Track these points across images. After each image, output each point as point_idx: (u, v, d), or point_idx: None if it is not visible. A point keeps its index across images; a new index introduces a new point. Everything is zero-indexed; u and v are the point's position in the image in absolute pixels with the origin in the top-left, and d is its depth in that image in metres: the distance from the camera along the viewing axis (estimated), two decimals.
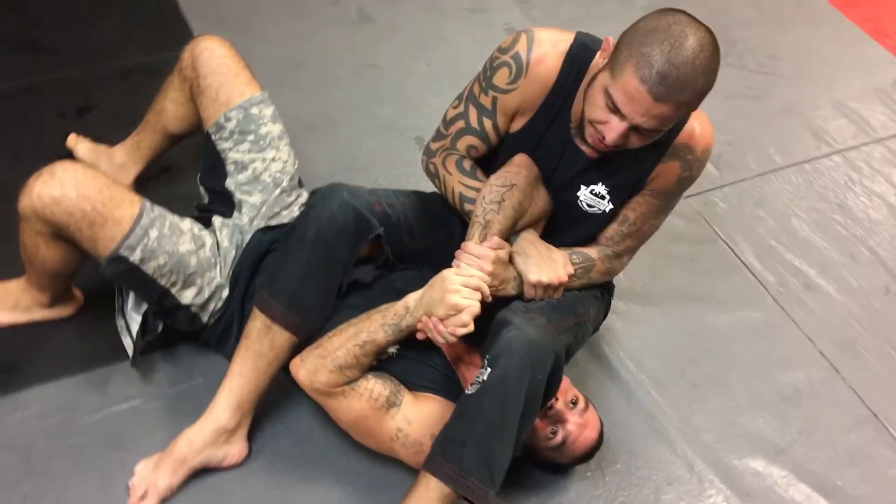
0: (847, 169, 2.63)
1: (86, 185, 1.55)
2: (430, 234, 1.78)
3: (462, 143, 1.72)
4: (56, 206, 1.53)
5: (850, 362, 2.11)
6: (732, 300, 2.21)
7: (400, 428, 1.61)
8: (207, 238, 1.74)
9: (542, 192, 1.67)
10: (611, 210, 1.68)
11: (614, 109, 1.43)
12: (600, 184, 1.64)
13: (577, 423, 1.65)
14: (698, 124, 1.62)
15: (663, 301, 2.18)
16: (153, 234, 1.62)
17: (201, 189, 1.92)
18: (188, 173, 2.22)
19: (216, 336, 1.79)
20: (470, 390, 1.52)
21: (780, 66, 2.98)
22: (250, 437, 1.73)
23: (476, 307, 1.53)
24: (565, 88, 1.59)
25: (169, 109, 1.93)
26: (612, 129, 1.45)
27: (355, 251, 1.68)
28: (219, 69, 1.81)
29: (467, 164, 1.73)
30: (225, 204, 1.84)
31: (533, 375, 1.48)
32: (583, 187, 1.66)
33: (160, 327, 1.76)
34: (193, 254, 1.69)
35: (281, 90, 2.50)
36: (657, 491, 1.81)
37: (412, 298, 1.59)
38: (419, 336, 1.59)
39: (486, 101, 1.65)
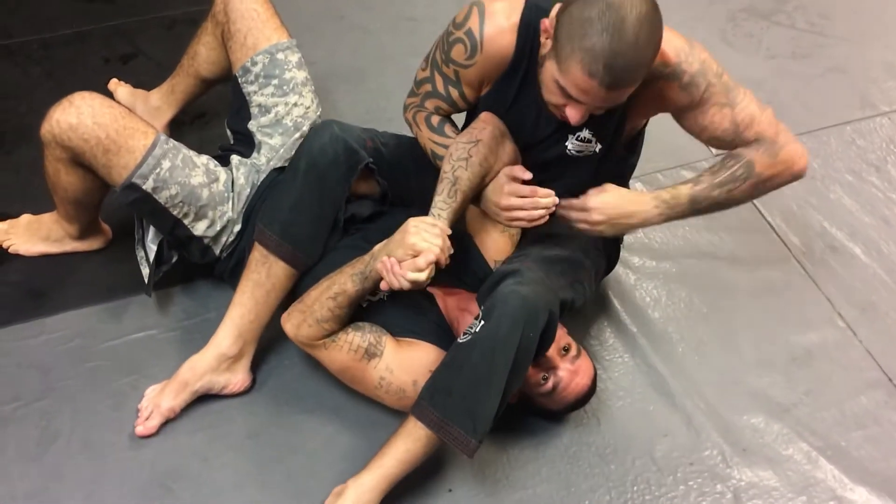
0: (891, 132, 2.54)
1: (101, 114, 1.64)
2: (429, 177, 1.81)
3: (430, 104, 1.74)
4: (73, 133, 1.62)
5: (869, 325, 2.06)
6: (752, 259, 2.18)
7: (382, 377, 1.66)
8: (222, 174, 1.82)
9: (507, 147, 1.68)
10: (600, 149, 1.67)
11: (570, 97, 1.44)
12: (584, 129, 1.64)
13: (568, 370, 1.67)
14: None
15: (679, 257, 2.16)
16: (165, 164, 1.70)
17: (228, 131, 2.01)
18: (222, 119, 2.29)
19: (229, 269, 1.87)
20: (462, 339, 1.55)
21: (831, 26, 2.88)
22: (255, 369, 1.81)
23: (433, 255, 1.53)
24: (525, 55, 1.58)
25: (201, 53, 2.01)
26: (573, 113, 1.47)
27: (347, 183, 1.73)
28: (248, 14, 1.88)
29: (435, 119, 1.74)
30: (246, 144, 1.92)
31: (524, 332, 1.50)
32: (570, 137, 1.66)
33: (174, 258, 1.85)
34: (206, 187, 1.76)
35: (318, 39, 2.58)
36: (651, 441, 1.82)
37: (379, 245, 1.62)
38: (382, 286, 1.59)
39: (448, 71, 1.66)
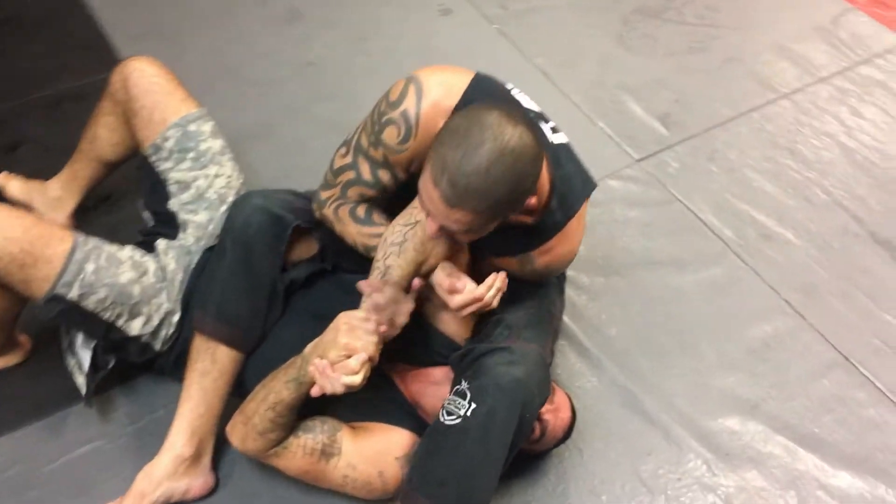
0: (795, 112, 2.62)
1: (10, 227, 1.50)
2: None
3: (353, 192, 1.62)
4: None
5: (816, 308, 2.10)
6: (693, 260, 2.20)
7: (345, 474, 1.58)
8: (150, 264, 1.70)
9: None
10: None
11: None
12: None
13: (551, 412, 1.62)
14: (554, 243, 1.56)
15: (625, 269, 2.15)
16: (89, 267, 1.57)
17: (144, 214, 1.88)
18: (130, 199, 2.16)
19: (171, 362, 1.75)
20: (448, 421, 1.47)
21: (719, 16, 2.96)
22: (216, 465, 1.70)
23: (366, 354, 1.43)
24: None
25: (103, 136, 1.88)
26: (430, 223, 1.40)
27: (277, 251, 1.66)
28: (152, 89, 1.77)
29: (361, 210, 1.62)
30: (170, 226, 1.79)
31: (522, 414, 1.45)
32: None
33: (111, 362, 1.71)
34: (135, 283, 1.64)
35: (216, 99, 2.42)
36: (635, 462, 1.79)
37: (309, 346, 1.53)
38: (314, 391, 1.46)
39: (376, 154, 1.56)
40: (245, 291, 1.66)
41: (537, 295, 1.72)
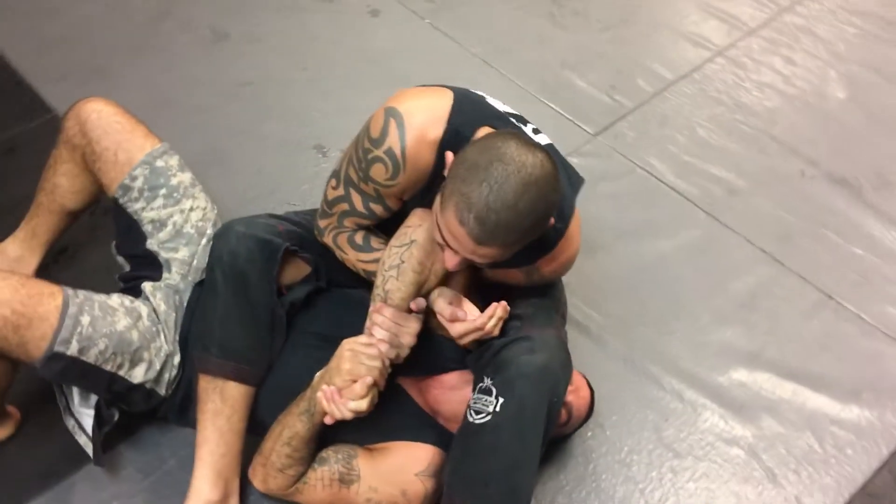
0: (732, 68, 2.69)
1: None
2: None
3: (349, 222, 1.61)
4: None
5: (792, 253, 2.17)
6: (668, 224, 2.23)
7: (368, 498, 1.55)
8: (142, 308, 1.63)
9: None
10: None
11: (445, 240, 1.36)
12: None
13: (572, 392, 1.62)
14: (558, 252, 1.55)
15: (605, 244, 2.17)
16: (85, 320, 1.49)
17: (119, 258, 1.80)
18: (89, 247, 2.08)
19: (177, 406, 1.69)
20: (477, 420, 1.46)
21: None
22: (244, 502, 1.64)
23: (371, 378, 1.44)
24: (438, 180, 1.47)
25: (63, 185, 1.78)
26: (448, 258, 1.39)
27: (270, 277, 1.61)
28: (112, 129, 1.69)
29: (359, 237, 1.62)
30: (151, 267, 1.72)
31: (550, 401, 1.45)
32: None
33: (116, 415, 1.63)
34: (133, 328, 1.57)
35: (160, 131, 2.30)
36: (657, 429, 1.81)
37: (316, 378, 1.52)
38: (327, 420, 1.47)
39: (367, 189, 1.53)
40: (245, 323, 1.61)
41: (536, 298, 1.71)
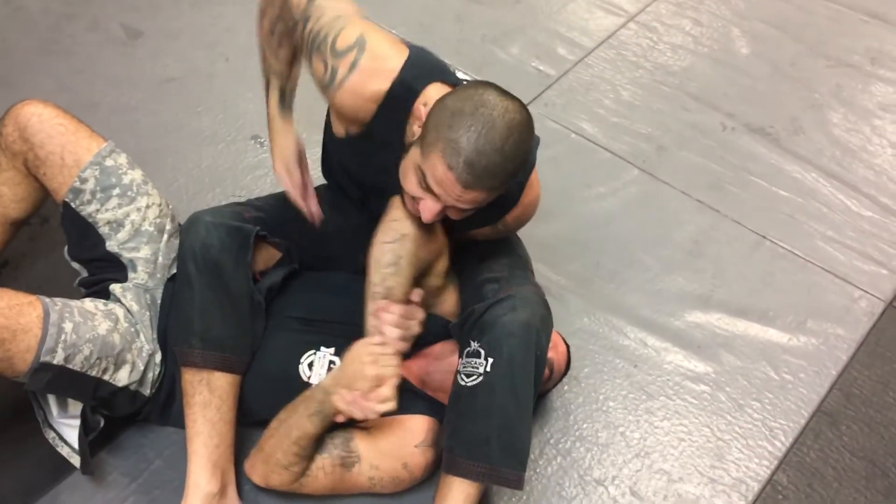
0: (645, 32, 2.81)
1: None
2: (321, 228, 1.74)
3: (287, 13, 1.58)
4: None
5: (724, 200, 2.30)
6: (607, 183, 2.32)
7: (370, 476, 1.58)
8: (118, 309, 1.59)
9: (431, 228, 1.57)
10: None
11: (427, 188, 1.40)
12: None
13: (551, 349, 1.67)
14: (520, 208, 1.62)
15: (552, 208, 2.23)
16: (67, 326, 1.45)
17: (75, 264, 1.73)
18: (31, 258, 2.01)
19: (160, 404, 1.66)
20: (469, 382, 1.50)
21: None
22: (241, 494, 1.63)
23: (396, 379, 1.47)
24: (381, 129, 1.52)
25: (5, 194, 1.70)
26: (427, 209, 1.42)
27: (244, 263, 1.61)
28: (55, 131, 1.62)
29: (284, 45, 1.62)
30: (114, 268, 1.67)
31: (537, 356, 1.50)
32: None
33: (101, 421, 1.59)
34: (114, 331, 1.53)
35: None
36: (628, 375, 1.90)
37: (328, 379, 1.52)
38: (339, 419, 1.50)
39: (304, 51, 1.55)
40: (225, 312, 1.59)
41: (504, 246, 1.77)
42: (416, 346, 1.67)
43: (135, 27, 2.69)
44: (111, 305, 1.59)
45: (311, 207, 1.71)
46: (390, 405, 1.46)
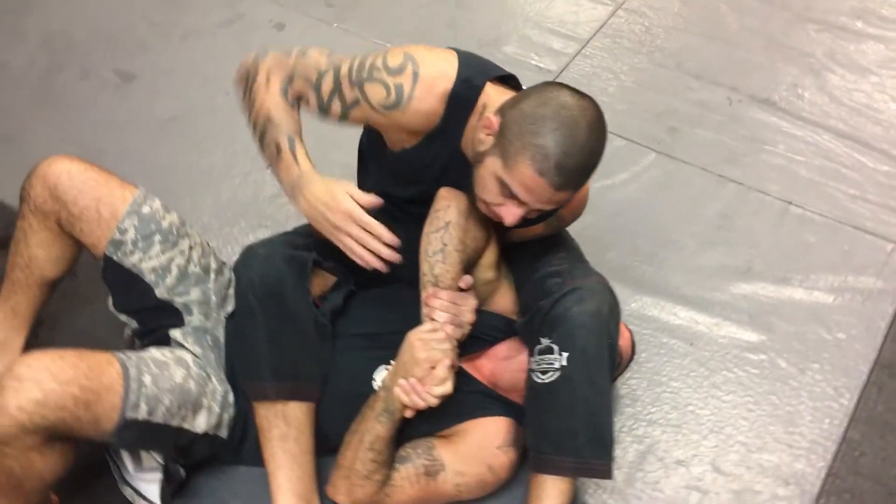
0: (636, 18, 2.83)
1: (61, 370, 1.31)
2: None
3: (299, 83, 1.56)
4: (43, 409, 1.28)
5: (745, 172, 2.32)
6: (628, 169, 2.33)
7: (457, 483, 1.57)
8: (185, 355, 1.56)
9: (476, 217, 1.58)
10: None
11: (511, 196, 1.40)
12: None
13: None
14: (574, 200, 1.63)
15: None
16: (147, 379, 1.42)
17: (122, 316, 1.69)
18: (66, 315, 1.97)
19: (235, 443, 1.63)
20: (547, 379, 1.50)
21: None
22: None
23: (449, 360, 1.47)
24: (449, 129, 1.51)
25: (40, 256, 1.65)
26: (511, 214, 1.43)
27: (305, 291, 1.60)
28: (87, 185, 1.58)
29: (287, 105, 1.57)
30: (169, 315, 1.64)
31: (610, 345, 1.51)
32: None
33: (183, 472, 1.57)
34: (188, 377, 1.51)
35: None
36: (686, 354, 1.91)
37: (388, 375, 1.53)
38: (408, 414, 1.50)
39: (348, 92, 1.51)
40: (292, 341, 1.58)
41: (560, 240, 1.77)
42: (480, 348, 1.67)
43: (126, 70, 2.65)
44: (178, 352, 1.56)
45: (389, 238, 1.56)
46: (447, 386, 1.46)
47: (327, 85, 1.54)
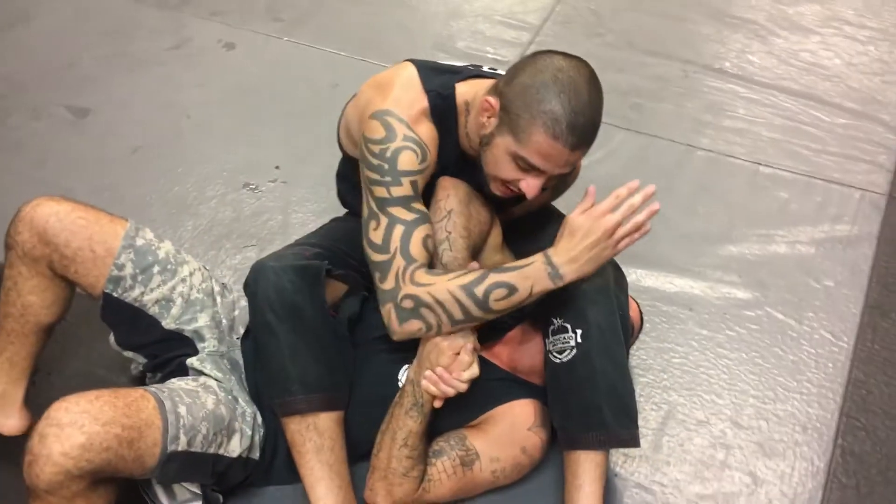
0: (581, 2, 2.89)
1: (100, 411, 1.28)
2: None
3: (415, 245, 1.46)
4: (88, 452, 1.24)
5: (711, 139, 2.40)
6: (601, 148, 2.35)
7: (493, 470, 1.59)
8: (209, 381, 1.54)
9: (477, 203, 1.59)
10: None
11: (529, 168, 1.43)
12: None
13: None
14: None
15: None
16: (182, 410, 1.40)
17: (127, 353, 1.66)
18: (60, 360, 1.91)
19: (266, 463, 1.61)
20: (563, 358, 1.52)
21: None
22: None
23: (471, 344, 1.47)
24: (444, 135, 1.54)
25: (34, 302, 1.60)
26: (531, 186, 1.45)
27: (321, 300, 1.58)
28: (77, 225, 1.53)
29: (427, 266, 1.49)
30: (181, 345, 1.61)
31: (622, 316, 1.54)
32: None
33: (221, 498, 1.55)
34: (219, 403, 1.49)
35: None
36: (688, 320, 1.96)
37: (411, 371, 1.53)
38: (437, 404, 1.50)
39: (404, 190, 1.46)
40: (315, 352, 1.56)
41: (555, 220, 1.79)
42: (496, 334, 1.68)
43: (79, 106, 2.59)
44: (202, 379, 1.54)
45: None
46: (473, 370, 1.47)
47: (403, 214, 1.47)
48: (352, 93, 1.65)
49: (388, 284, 1.45)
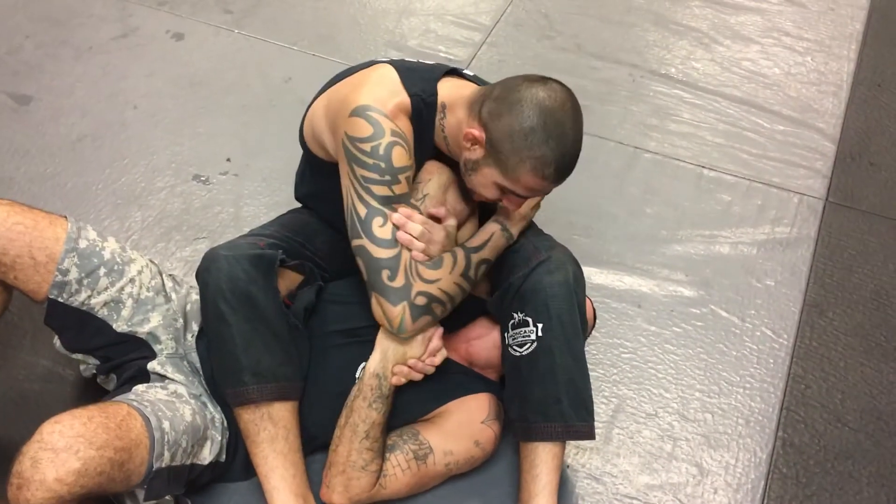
0: (532, 5, 2.94)
1: (95, 434, 1.25)
2: (328, 238, 1.75)
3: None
4: (83, 478, 1.22)
5: (657, 142, 2.46)
6: None
7: (447, 463, 1.61)
8: (178, 387, 1.54)
9: (455, 194, 1.61)
10: None
11: (513, 195, 1.49)
12: None
13: None
14: None
15: None
16: (166, 425, 1.39)
17: (76, 356, 1.62)
18: (4, 350, 1.86)
19: (229, 462, 1.61)
20: (524, 351, 1.56)
21: None
22: None
23: (441, 328, 1.55)
24: (420, 137, 1.56)
25: None
26: (513, 203, 1.53)
27: (273, 289, 1.58)
28: (14, 232, 1.46)
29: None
30: (137, 348, 1.59)
31: (579, 310, 1.57)
32: None
33: (189, 502, 1.56)
34: (194, 413, 1.50)
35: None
36: (636, 317, 2.02)
37: (374, 363, 1.54)
38: (394, 381, 1.54)
39: (403, 187, 1.48)
40: (268, 342, 1.56)
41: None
42: (454, 329, 1.70)
43: (21, 93, 2.52)
44: (170, 385, 1.53)
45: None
46: (443, 353, 1.56)
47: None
48: (305, 87, 1.65)
49: (398, 282, 1.47)
